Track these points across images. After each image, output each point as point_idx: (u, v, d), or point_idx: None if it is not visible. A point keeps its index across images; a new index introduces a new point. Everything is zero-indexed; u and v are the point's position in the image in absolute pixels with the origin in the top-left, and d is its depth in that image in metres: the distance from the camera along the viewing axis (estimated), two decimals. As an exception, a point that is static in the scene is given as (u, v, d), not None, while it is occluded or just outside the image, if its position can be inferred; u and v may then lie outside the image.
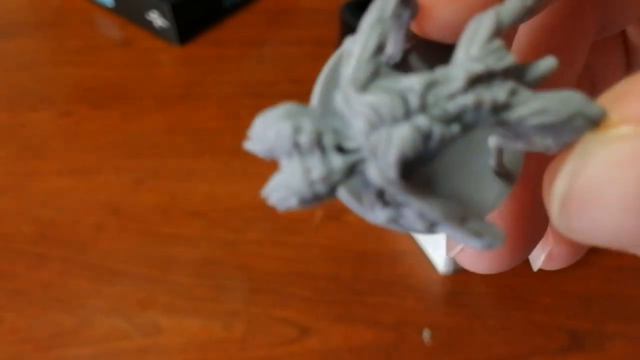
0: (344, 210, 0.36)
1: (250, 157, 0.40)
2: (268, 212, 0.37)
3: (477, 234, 0.07)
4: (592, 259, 0.34)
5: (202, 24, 0.50)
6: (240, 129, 0.42)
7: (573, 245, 0.12)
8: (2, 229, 0.36)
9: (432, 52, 0.08)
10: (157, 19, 0.48)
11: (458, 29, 0.07)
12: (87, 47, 0.49)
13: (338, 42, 0.43)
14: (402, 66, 0.08)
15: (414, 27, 0.08)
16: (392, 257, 0.34)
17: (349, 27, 0.40)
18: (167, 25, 0.47)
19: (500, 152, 0.08)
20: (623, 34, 0.12)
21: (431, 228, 0.07)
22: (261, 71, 0.46)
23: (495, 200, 0.08)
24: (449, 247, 0.10)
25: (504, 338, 0.31)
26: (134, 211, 0.37)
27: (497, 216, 0.10)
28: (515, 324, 0.31)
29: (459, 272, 0.33)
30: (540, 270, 0.12)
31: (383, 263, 0.34)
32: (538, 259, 0.11)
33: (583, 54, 0.11)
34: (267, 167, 0.39)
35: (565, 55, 0.10)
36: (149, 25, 0.49)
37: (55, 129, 0.42)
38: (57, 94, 0.45)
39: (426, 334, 0.31)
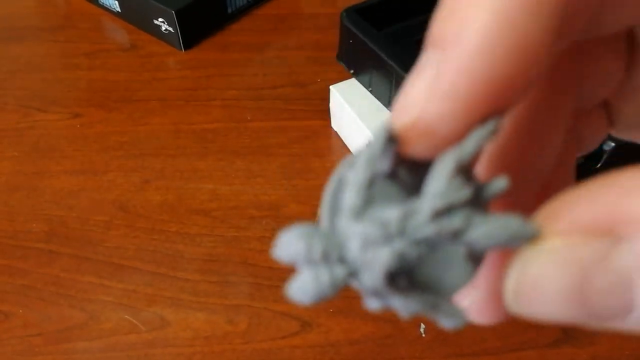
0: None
1: (254, 158, 0.41)
2: (270, 210, 0.38)
3: (446, 317, 0.10)
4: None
5: (206, 30, 0.51)
6: (244, 130, 0.43)
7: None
8: (13, 227, 0.37)
9: (416, 163, 0.10)
10: (162, 25, 0.49)
11: (432, 156, 0.09)
12: (95, 51, 0.50)
13: (338, 47, 0.44)
14: (394, 175, 0.10)
15: (399, 151, 0.10)
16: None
17: (349, 32, 0.41)
18: (173, 31, 0.48)
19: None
20: (629, 35, 0.12)
21: (412, 313, 0.10)
22: (264, 75, 0.47)
23: (465, 279, 0.10)
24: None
25: (496, 332, 0.32)
26: (141, 209, 0.38)
27: (477, 286, 0.12)
28: (510, 318, 0.32)
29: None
30: None
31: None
32: (463, 302, 0.13)
33: (560, 132, 0.13)
34: (269, 168, 0.40)
35: (540, 141, 0.12)
36: (155, 30, 0.50)
37: (64, 130, 0.43)
38: (66, 96, 0.46)
39: (422, 328, 0.32)
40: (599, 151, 0.33)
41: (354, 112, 0.39)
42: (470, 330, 0.32)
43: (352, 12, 0.41)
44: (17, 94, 0.46)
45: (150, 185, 0.39)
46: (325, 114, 0.44)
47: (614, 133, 0.14)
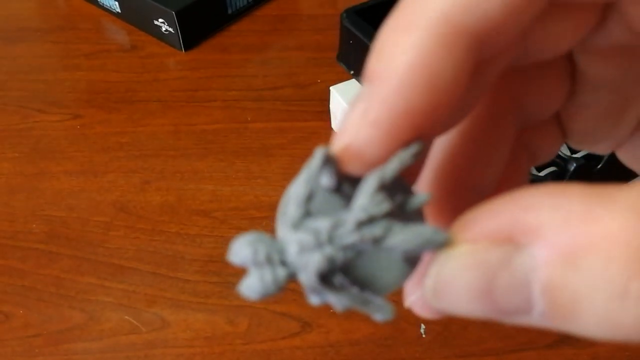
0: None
1: (254, 159, 0.41)
2: (270, 211, 0.38)
3: (375, 312, 0.11)
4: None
5: (207, 30, 0.51)
6: (244, 131, 0.43)
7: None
8: (13, 228, 0.37)
9: (356, 177, 0.11)
10: (163, 25, 0.49)
11: (365, 173, 0.11)
12: (95, 52, 0.50)
13: (338, 47, 0.44)
14: (338, 189, 0.12)
15: (338, 169, 0.11)
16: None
17: (349, 33, 0.41)
18: (173, 32, 0.48)
19: None
20: (571, 62, 0.14)
21: (345, 307, 0.11)
22: (264, 76, 0.47)
23: (401, 279, 0.12)
24: (405, 299, 0.14)
25: (497, 333, 0.32)
26: (141, 210, 0.38)
27: (420, 284, 0.13)
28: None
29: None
30: None
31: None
32: (410, 297, 0.14)
33: (503, 148, 0.14)
34: (270, 168, 0.40)
35: (487, 153, 0.14)
36: (155, 30, 0.50)
37: (64, 131, 0.43)
38: (66, 97, 0.46)
39: (423, 329, 0.32)
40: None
41: (354, 113, 0.39)
42: (470, 331, 0.32)
43: (352, 13, 0.41)
44: (17, 95, 0.46)
45: (150, 186, 0.39)
46: (325, 114, 0.44)
47: (570, 144, 0.16)
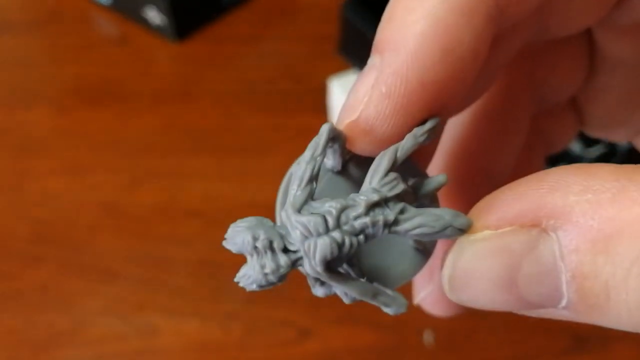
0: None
1: (248, 156, 0.40)
2: (267, 210, 0.36)
3: (386, 304, 0.10)
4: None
5: (200, 21, 0.50)
6: (238, 127, 0.42)
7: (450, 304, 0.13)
8: (-3, 229, 0.36)
9: (364, 159, 0.11)
10: (154, 15, 0.47)
11: (375, 152, 0.10)
12: (83, 45, 0.49)
13: (339, 38, 0.43)
14: (344, 171, 0.11)
15: (347, 147, 0.11)
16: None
17: (349, 23, 0.40)
18: (165, 22, 0.47)
19: None
20: (589, 38, 0.13)
21: (354, 300, 0.10)
22: (259, 68, 0.46)
23: (413, 271, 0.11)
24: (414, 296, 0.13)
25: (507, 339, 0.31)
26: (130, 211, 0.37)
27: (432, 279, 0.13)
28: (518, 325, 0.31)
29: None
30: None
31: (383, 263, 0.34)
32: (419, 294, 0.14)
33: (519, 132, 0.13)
34: (265, 166, 0.39)
35: (502, 137, 0.13)
36: (145, 22, 0.49)
37: (50, 128, 0.42)
38: (53, 92, 0.45)
39: (427, 336, 0.31)
40: (613, 146, 0.32)
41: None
42: (477, 338, 0.31)
43: (353, 3, 0.40)
44: (1, 91, 0.45)
45: (139, 186, 0.38)
46: (323, 108, 0.42)
47: (586, 131, 0.15)
